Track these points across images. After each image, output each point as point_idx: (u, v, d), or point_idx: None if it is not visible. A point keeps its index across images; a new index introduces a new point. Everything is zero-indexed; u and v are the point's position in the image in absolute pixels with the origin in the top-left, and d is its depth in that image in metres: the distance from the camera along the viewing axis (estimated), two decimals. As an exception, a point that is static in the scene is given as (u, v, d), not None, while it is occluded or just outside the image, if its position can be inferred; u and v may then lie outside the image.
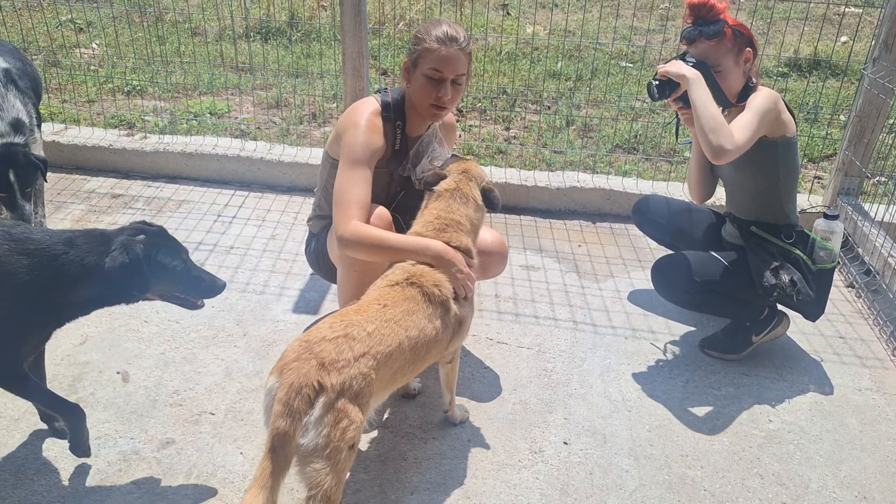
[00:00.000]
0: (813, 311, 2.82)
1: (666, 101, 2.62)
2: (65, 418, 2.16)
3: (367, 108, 2.47)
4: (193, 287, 2.14)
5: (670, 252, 3.07)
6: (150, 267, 2.02)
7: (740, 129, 2.46)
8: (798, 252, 2.74)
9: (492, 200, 2.38)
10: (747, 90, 2.64)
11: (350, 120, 2.46)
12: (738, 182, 2.85)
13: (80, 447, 2.15)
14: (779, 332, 2.97)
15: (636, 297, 3.32)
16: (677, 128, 2.93)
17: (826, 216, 2.72)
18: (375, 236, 2.27)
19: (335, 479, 1.71)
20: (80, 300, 2.03)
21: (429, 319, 2.03)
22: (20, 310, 1.96)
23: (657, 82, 2.57)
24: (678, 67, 2.53)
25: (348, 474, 1.89)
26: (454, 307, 2.14)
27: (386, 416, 2.51)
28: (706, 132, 2.41)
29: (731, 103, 2.66)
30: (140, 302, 2.11)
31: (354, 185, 2.33)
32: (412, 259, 2.21)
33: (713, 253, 2.87)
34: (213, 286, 2.16)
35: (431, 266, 2.18)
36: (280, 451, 1.67)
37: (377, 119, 2.46)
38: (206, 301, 2.20)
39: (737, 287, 2.79)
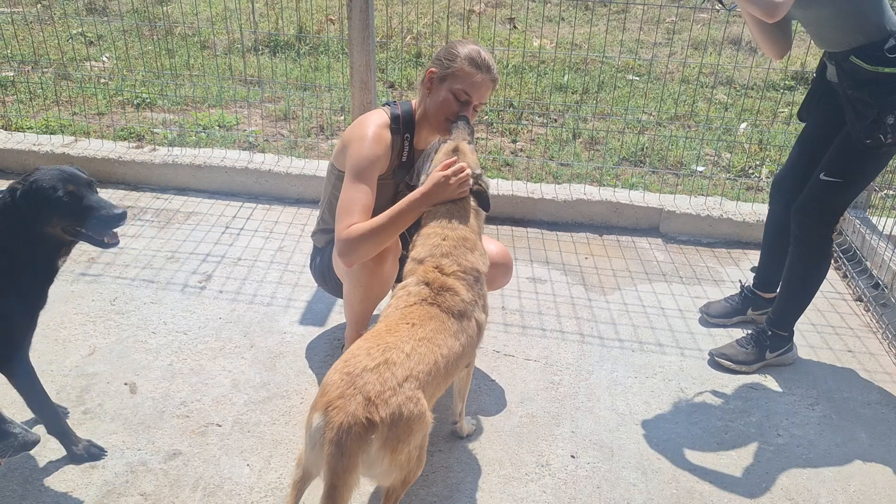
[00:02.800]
0: None
1: None
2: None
3: (375, 121, 2.46)
4: (90, 220, 2.06)
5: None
6: (33, 197, 1.99)
7: None
8: None
9: (482, 198, 2.34)
10: None
11: (357, 132, 2.45)
12: (813, 18, 2.59)
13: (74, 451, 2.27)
14: (786, 360, 2.95)
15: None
16: None
17: None
18: (368, 226, 2.28)
19: (411, 477, 1.92)
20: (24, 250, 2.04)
21: (455, 336, 2.04)
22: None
23: None
24: None
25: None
26: (475, 314, 2.14)
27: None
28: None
29: None
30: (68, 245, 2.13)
31: (358, 198, 2.33)
32: (414, 217, 2.28)
33: (822, 177, 2.66)
34: (110, 217, 2.08)
35: (436, 215, 2.25)
36: (343, 488, 1.69)
37: (385, 131, 2.45)
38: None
39: (858, 187, 2.70)
